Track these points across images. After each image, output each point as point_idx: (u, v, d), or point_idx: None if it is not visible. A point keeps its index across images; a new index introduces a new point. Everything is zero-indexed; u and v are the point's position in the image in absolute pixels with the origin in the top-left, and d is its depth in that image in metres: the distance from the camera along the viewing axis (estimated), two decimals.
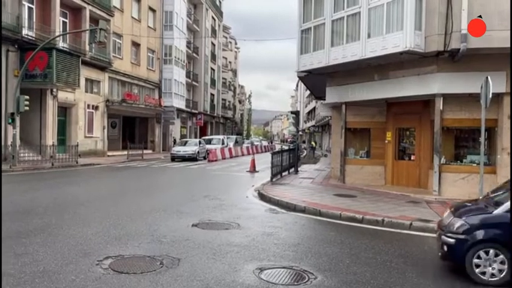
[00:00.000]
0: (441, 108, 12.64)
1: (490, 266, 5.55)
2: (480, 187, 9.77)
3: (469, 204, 6.76)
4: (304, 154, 39.56)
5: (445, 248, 5.91)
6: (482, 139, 10.26)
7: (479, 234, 5.64)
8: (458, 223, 5.86)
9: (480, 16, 10.98)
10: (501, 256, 5.52)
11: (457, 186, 12.33)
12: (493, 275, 5.54)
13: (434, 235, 8.19)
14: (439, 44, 11.85)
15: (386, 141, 15.36)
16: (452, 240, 5.80)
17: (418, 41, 11.98)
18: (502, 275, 5.51)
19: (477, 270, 5.58)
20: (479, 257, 5.59)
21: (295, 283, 5.46)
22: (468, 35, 11.12)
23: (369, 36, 12.99)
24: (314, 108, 61.29)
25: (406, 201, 11.73)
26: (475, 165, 12.36)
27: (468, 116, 12.50)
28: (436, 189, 12.59)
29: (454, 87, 12.25)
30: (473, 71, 11.60)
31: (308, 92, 50.68)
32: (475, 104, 11.16)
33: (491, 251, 5.56)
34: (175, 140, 41.22)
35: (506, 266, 5.49)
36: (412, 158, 14.98)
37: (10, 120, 19.71)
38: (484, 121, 9.93)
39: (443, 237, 5.96)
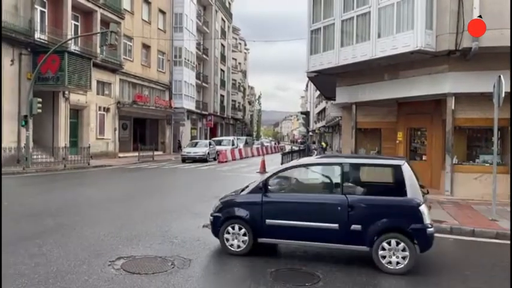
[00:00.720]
0: (453, 107, 12.51)
1: (236, 239, 6.51)
2: (493, 187, 9.64)
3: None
4: (315, 155, 39.42)
5: (209, 226, 6.95)
6: (495, 139, 10.12)
7: (228, 212, 6.68)
8: (217, 203, 6.95)
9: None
10: (243, 230, 6.48)
11: (469, 187, 12.19)
12: (239, 246, 6.49)
13: (448, 236, 8.16)
14: (451, 43, 11.74)
15: (397, 142, 15.25)
16: (211, 218, 6.86)
17: (429, 40, 11.88)
18: (244, 247, 6.46)
19: (229, 245, 6.54)
20: (228, 232, 6.56)
21: (305, 284, 5.45)
22: None
23: (379, 36, 12.91)
24: (324, 109, 61.03)
25: None
26: (487, 165, 12.21)
27: (480, 116, 12.35)
28: (448, 190, 12.46)
29: (466, 86, 12.12)
30: (486, 70, 11.46)
31: (318, 92, 50.55)
32: (488, 103, 11.00)
33: (236, 226, 6.53)
34: (180, 142, 41.24)
35: (247, 234, 6.45)
36: (423, 158, 14.84)
37: (23, 123, 19.98)
38: (496, 120, 9.79)
39: (209, 216, 6.94)
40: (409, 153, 15.24)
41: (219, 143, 35.92)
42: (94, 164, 23.04)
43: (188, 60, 42.28)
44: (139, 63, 34.52)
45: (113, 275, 5.52)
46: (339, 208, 6.07)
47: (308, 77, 19.31)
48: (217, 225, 6.69)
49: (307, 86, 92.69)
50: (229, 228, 6.56)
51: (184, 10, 40.76)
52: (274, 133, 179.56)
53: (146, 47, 35.72)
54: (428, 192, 6.68)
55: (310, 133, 77.77)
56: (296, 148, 34.19)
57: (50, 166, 20.77)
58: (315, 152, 42.21)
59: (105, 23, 26.97)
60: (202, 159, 29.27)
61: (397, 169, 6.20)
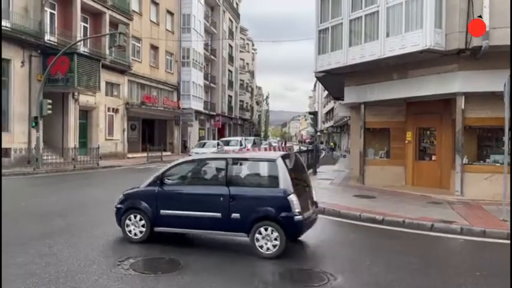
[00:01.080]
0: (463, 107, 12.40)
1: (135, 228, 7.08)
2: (504, 187, 9.53)
3: None
4: (323, 155, 39.33)
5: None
6: (506, 138, 10.02)
7: (128, 203, 7.27)
8: (120, 196, 7.46)
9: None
10: (139, 217, 7.07)
11: (480, 187, 12.06)
12: (141, 232, 7.06)
13: (457, 236, 8.09)
14: (460, 42, 11.63)
15: (406, 141, 15.15)
16: (115, 209, 7.42)
17: (438, 39, 11.79)
18: (142, 235, 7.05)
19: (130, 234, 7.10)
20: (128, 223, 7.12)
21: (315, 284, 5.44)
22: (490, 32, 10.89)
23: (387, 35, 12.84)
24: (332, 109, 60.86)
25: (427, 202, 11.55)
26: (498, 164, 12.06)
27: (491, 115, 12.20)
28: (458, 190, 12.35)
29: (476, 85, 12.00)
30: (496, 69, 11.31)
31: (326, 92, 50.41)
32: (498, 102, 10.86)
33: (133, 216, 7.10)
34: (185, 142, 41.25)
35: (145, 223, 7.03)
36: (433, 158, 14.73)
37: (33, 124, 20.18)
38: (507, 120, 9.67)
39: (114, 207, 7.46)
40: (418, 153, 15.15)
41: (227, 143, 35.86)
42: (103, 165, 23.18)
43: (196, 61, 42.39)
44: (147, 64, 34.68)
45: (122, 275, 5.55)
46: (222, 199, 6.64)
47: (316, 77, 19.26)
48: (120, 216, 7.29)
49: (315, 86, 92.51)
50: (129, 219, 7.15)
51: (192, 11, 40.87)
52: (282, 133, 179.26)
53: (154, 48, 35.87)
54: (308, 186, 7.48)
55: (318, 133, 77.38)
56: (304, 148, 34.12)
57: (59, 167, 20.94)
58: (323, 152, 42.11)
59: (113, 24, 27.13)
60: None
61: (272, 163, 6.70)
